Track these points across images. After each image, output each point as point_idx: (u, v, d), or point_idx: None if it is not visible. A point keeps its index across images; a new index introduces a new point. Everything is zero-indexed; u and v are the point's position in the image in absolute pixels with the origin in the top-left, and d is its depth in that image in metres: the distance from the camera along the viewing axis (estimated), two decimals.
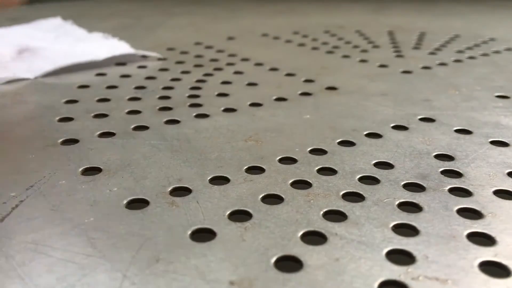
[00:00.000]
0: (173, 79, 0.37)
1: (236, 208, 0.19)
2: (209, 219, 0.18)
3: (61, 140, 0.25)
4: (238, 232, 0.17)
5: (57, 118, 0.28)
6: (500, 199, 0.20)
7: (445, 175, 0.22)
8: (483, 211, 0.19)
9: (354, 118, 0.29)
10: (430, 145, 0.25)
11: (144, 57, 0.42)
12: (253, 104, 0.31)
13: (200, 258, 0.16)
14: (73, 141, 0.25)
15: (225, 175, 0.21)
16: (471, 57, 0.45)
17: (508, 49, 0.49)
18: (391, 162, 0.23)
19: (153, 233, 0.17)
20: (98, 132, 0.26)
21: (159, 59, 0.42)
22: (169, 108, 0.30)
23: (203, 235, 0.17)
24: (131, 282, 0.15)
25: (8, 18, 0.57)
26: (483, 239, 0.17)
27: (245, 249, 0.16)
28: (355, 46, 0.49)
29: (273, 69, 0.40)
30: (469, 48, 0.49)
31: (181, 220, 0.18)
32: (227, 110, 0.30)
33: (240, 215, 0.18)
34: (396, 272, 0.15)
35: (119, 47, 0.43)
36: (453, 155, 0.24)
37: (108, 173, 0.21)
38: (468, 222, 0.18)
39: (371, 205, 0.19)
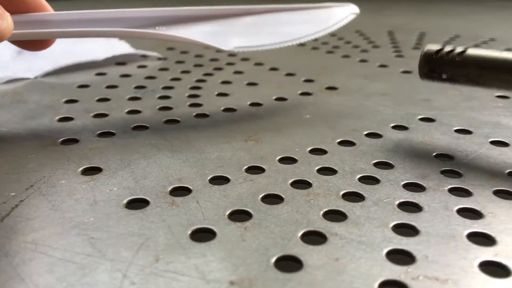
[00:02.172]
0: (173, 79, 0.37)
1: (236, 208, 0.19)
2: (209, 219, 0.18)
3: (61, 140, 0.25)
4: (238, 232, 0.17)
5: (57, 118, 0.28)
6: (500, 199, 0.20)
7: (445, 175, 0.22)
8: (483, 211, 0.19)
9: (354, 118, 0.29)
10: (430, 145, 0.25)
11: (144, 56, 0.43)
12: (253, 104, 0.31)
13: (200, 258, 0.16)
14: (73, 141, 0.25)
15: (225, 175, 0.21)
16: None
17: (508, 49, 0.49)
18: (391, 162, 0.23)
19: (153, 233, 0.17)
20: (98, 132, 0.26)
21: (159, 58, 0.42)
22: (169, 108, 0.30)
23: (203, 235, 0.17)
24: (131, 281, 0.15)
25: None
26: (483, 239, 0.17)
27: (245, 249, 0.16)
28: (355, 46, 0.49)
29: (273, 69, 0.40)
30: None
31: (181, 220, 0.18)
32: (227, 110, 0.30)
33: (240, 215, 0.18)
34: (396, 272, 0.15)
35: (119, 46, 0.43)
36: (453, 155, 0.24)
37: (108, 173, 0.21)
38: (468, 222, 0.18)
39: (371, 205, 0.19)
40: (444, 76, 0.24)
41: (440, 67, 0.24)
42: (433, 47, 0.24)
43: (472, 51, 0.23)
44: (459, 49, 0.24)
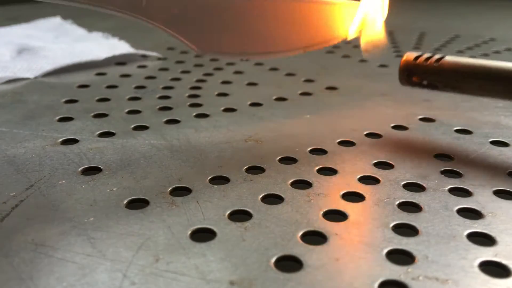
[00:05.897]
0: (173, 79, 0.37)
1: (236, 208, 0.19)
2: (209, 219, 0.18)
3: (61, 140, 0.25)
4: (238, 232, 0.17)
5: (57, 118, 0.28)
6: (500, 199, 0.20)
7: (445, 175, 0.22)
8: (483, 211, 0.19)
9: (354, 118, 0.29)
10: (430, 145, 0.25)
11: (144, 56, 0.42)
12: (253, 104, 0.31)
13: (200, 258, 0.16)
14: (73, 141, 0.25)
15: (225, 175, 0.21)
16: (471, 57, 0.45)
17: (508, 49, 0.49)
18: (391, 162, 0.23)
19: (153, 233, 0.17)
20: (98, 132, 0.26)
21: (159, 58, 0.42)
22: (169, 108, 0.30)
23: (203, 235, 0.17)
24: (131, 281, 0.15)
25: (8, 17, 0.57)
26: (483, 239, 0.17)
27: (245, 249, 0.16)
28: (355, 46, 0.49)
29: (273, 69, 0.40)
30: (469, 48, 0.49)
31: (181, 220, 0.18)
32: (227, 110, 0.30)
33: (240, 215, 0.18)
34: (396, 272, 0.15)
35: (119, 46, 0.43)
36: (453, 155, 0.24)
37: (108, 173, 0.21)
38: (468, 222, 0.18)
39: (371, 205, 0.19)
40: (424, 82, 0.26)
41: (419, 73, 0.25)
42: (412, 54, 0.26)
43: (449, 58, 0.25)
44: (437, 56, 0.25)
